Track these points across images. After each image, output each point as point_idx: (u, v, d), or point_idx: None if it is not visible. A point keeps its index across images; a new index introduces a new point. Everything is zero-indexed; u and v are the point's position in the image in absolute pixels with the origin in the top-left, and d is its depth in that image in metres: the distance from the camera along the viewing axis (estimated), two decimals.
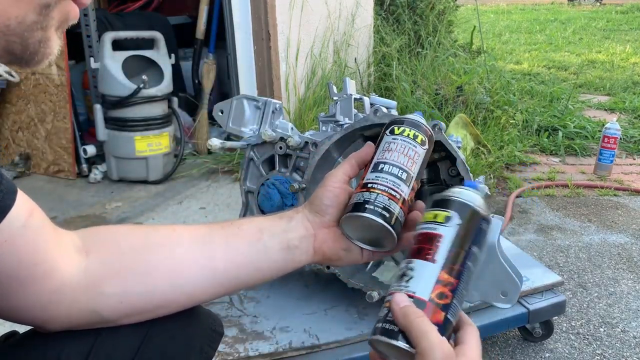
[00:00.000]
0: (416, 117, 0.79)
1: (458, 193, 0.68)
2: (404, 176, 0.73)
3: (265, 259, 0.72)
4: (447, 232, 0.65)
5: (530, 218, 2.50)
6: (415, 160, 0.75)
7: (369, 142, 0.78)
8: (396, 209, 0.71)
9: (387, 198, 0.71)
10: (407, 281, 0.62)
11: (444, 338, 0.57)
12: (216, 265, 0.70)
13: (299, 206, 0.78)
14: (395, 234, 0.70)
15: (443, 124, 1.19)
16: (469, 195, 0.69)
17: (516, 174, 3.02)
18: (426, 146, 0.76)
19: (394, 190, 0.72)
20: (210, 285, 0.71)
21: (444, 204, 0.67)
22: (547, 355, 1.58)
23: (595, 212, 2.57)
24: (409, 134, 0.75)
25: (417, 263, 0.63)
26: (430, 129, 0.79)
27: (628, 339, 1.65)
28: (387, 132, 0.77)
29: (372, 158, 0.76)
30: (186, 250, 0.70)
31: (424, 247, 0.64)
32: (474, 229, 0.67)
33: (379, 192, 0.71)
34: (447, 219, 0.66)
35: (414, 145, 0.75)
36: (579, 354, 1.59)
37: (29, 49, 0.49)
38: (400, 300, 0.59)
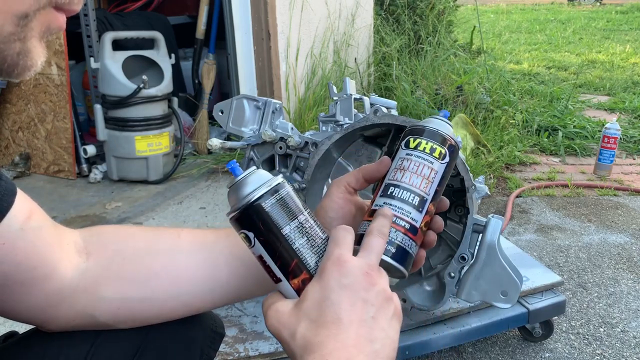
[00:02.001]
0: (437, 123, 0.70)
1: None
2: (416, 202, 0.66)
3: None
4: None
5: (530, 218, 2.50)
6: (432, 179, 0.67)
7: (385, 157, 0.70)
8: (406, 242, 0.64)
9: (394, 230, 0.64)
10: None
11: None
12: (219, 276, 0.69)
13: None
14: (403, 269, 0.64)
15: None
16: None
17: (516, 174, 3.02)
18: (446, 159, 0.68)
19: (404, 220, 0.65)
20: (211, 297, 0.70)
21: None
22: (547, 355, 1.58)
23: (595, 212, 2.57)
24: (425, 148, 0.67)
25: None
26: (454, 138, 0.70)
27: (628, 339, 1.65)
28: (403, 144, 0.69)
29: (385, 175, 0.69)
30: (189, 258, 0.69)
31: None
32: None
33: None
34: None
35: (431, 162, 0.67)
36: (579, 354, 1.59)
37: (6, 61, 0.46)
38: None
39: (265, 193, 0.57)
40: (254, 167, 0.61)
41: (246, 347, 1.32)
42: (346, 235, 0.59)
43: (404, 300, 1.32)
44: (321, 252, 0.59)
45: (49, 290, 0.62)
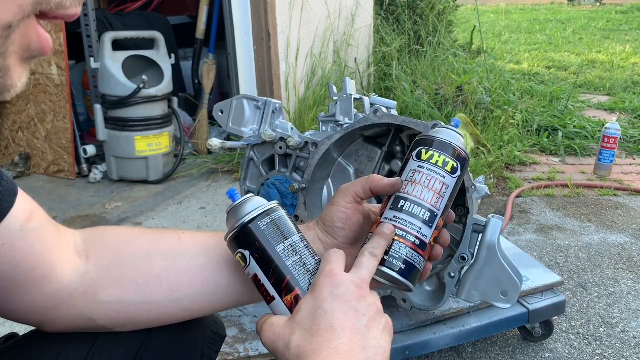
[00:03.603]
0: (449, 134, 0.68)
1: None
2: (427, 217, 0.64)
3: None
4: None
5: (530, 218, 2.50)
6: (443, 194, 0.66)
7: (398, 180, 0.68)
8: (414, 257, 0.64)
9: (404, 245, 0.64)
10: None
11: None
12: (219, 281, 0.68)
13: (311, 221, 0.73)
14: (410, 284, 0.64)
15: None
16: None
17: (516, 174, 3.02)
18: (458, 173, 0.66)
19: (413, 236, 0.64)
20: (210, 301, 0.69)
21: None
22: (547, 355, 1.58)
23: (595, 212, 2.57)
24: (437, 161, 0.66)
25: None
26: (465, 150, 0.68)
27: (628, 339, 1.65)
28: (414, 155, 0.68)
29: None
30: (189, 262, 0.68)
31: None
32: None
33: (396, 238, 0.64)
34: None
35: (442, 176, 0.66)
36: (579, 354, 1.59)
37: None
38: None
39: (261, 214, 0.62)
40: (251, 194, 0.65)
41: (246, 347, 1.32)
42: (337, 254, 0.62)
43: (403, 300, 1.32)
44: (313, 272, 0.62)
45: (47, 292, 0.62)
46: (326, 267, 0.60)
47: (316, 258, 0.63)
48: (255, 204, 0.63)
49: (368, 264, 0.61)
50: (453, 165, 0.66)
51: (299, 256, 0.61)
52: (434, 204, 0.65)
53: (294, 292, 0.60)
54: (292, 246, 0.62)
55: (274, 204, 0.64)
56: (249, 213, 0.62)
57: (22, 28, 0.42)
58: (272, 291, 0.61)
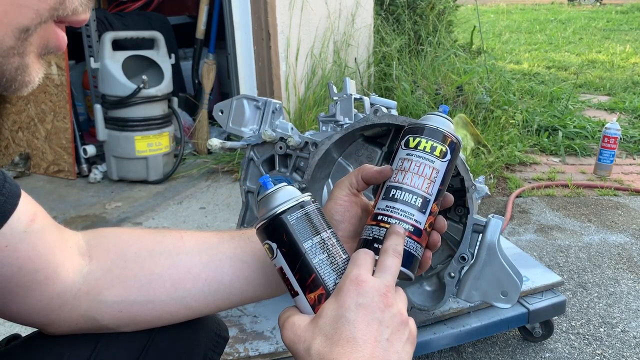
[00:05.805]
0: (437, 120, 0.69)
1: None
2: (419, 203, 0.65)
3: (274, 274, 0.66)
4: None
5: (530, 218, 2.50)
6: (434, 179, 0.66)
7: (387, 167, 0.69)
8: (411, 245, 0.64)
9: None
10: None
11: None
12: (222, 278, 0.68)
13: None
14: (409, 273, 0.64)
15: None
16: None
17: (516, 174, 3.02)
18: (447, 157, 0.67)
19: (407, 223, 0.64)
20: (213, 299, 0.69)
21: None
22: (547, 355, 1.58)
23: (595, 212, 2.57)
24: (425, 147, 0.66)
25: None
26: (454, 135, 0.68)
27: (628, 339, 1.65)
28: (402, 144, 0.68)
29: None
30: (192, 261, 0.68)
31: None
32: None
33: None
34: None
35: (432, 161, 0.66)
36: (579, 354, 1.59)
37: (4, 76, 0.45)
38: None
39: (291, 207, 0.60)
40: (285, 183, 0.63)
41: (246, 347, 1.32)
42: (366, 257, 0.60)
43: None
44: (340, 271, 0.60)
45: (50, 293, 0.62)
46: (352, 271, 0.58)
47: (345, 256, 0.62)
48: (288, 195, 0.61)
49: (393, 265, 0.60)
50: (442, 149, 0.66)
51: (326, 254, 0.60)
52: (426, 190, 0.65)
53: (318, 291, 0.59)
54: (320, 243, 0.60)
55: (306, 196, 0.62)
56: (280, 205, 0.60)
57: (40, 31, 0.45)
58: (297, 287, 0.60)
